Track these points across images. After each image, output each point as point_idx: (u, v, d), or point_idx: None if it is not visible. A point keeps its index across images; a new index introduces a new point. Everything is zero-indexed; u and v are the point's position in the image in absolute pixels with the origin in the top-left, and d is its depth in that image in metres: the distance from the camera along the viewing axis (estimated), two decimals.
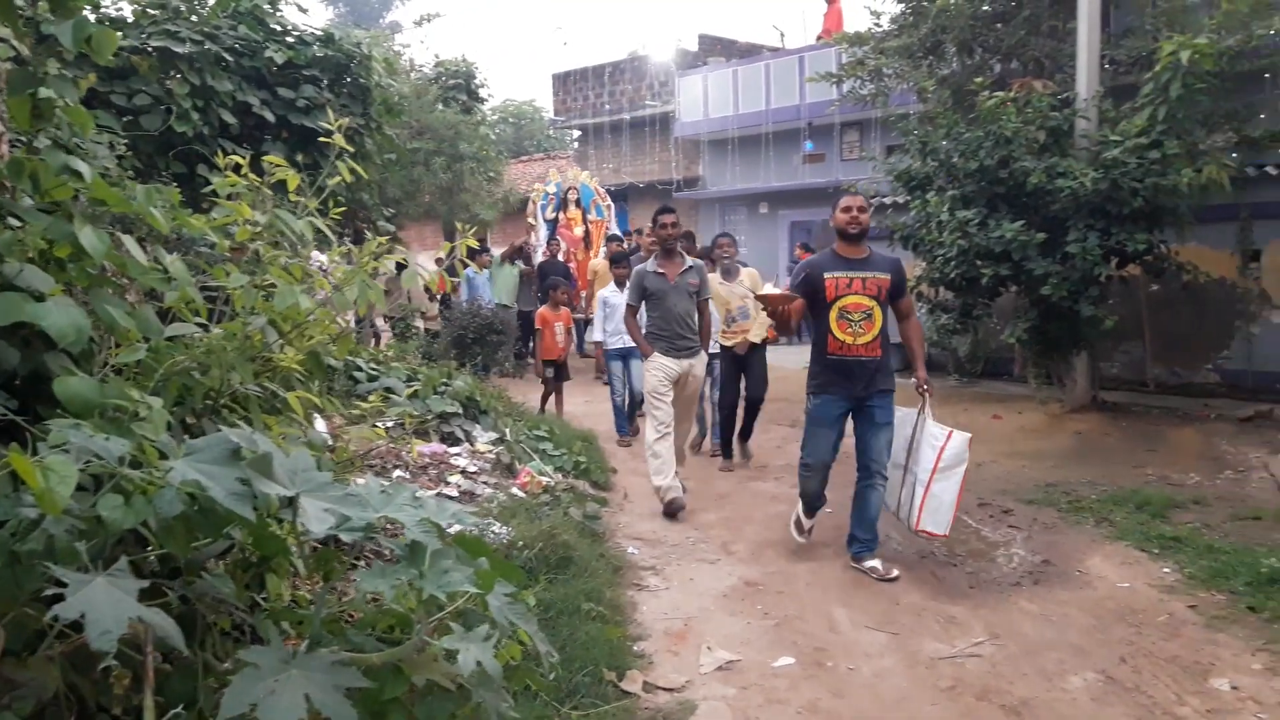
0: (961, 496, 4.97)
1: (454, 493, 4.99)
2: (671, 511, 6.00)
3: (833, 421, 4.97)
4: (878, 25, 11.14)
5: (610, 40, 64.08)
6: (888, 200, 11.38)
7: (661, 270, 6.20)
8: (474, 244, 2.93)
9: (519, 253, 13.47)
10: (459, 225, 3.02)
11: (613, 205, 15.52)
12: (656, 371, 6.14)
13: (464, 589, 1.68)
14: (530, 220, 15.18)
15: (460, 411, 6.25)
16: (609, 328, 8.27)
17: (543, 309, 9.06)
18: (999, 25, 10.15)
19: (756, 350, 7.35)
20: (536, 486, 5.52)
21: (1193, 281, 8.97)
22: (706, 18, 53.70)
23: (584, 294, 13.03)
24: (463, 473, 5.37)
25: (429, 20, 19.08)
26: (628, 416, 8.47)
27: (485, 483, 5.36)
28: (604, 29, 65.54)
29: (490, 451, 5.96)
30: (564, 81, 21.08)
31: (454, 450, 5.74)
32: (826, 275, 4.86)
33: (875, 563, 4.94)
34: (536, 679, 2.25)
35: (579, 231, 15.05)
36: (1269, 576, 4.58)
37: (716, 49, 19.51)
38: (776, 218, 17.10)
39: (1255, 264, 9.71)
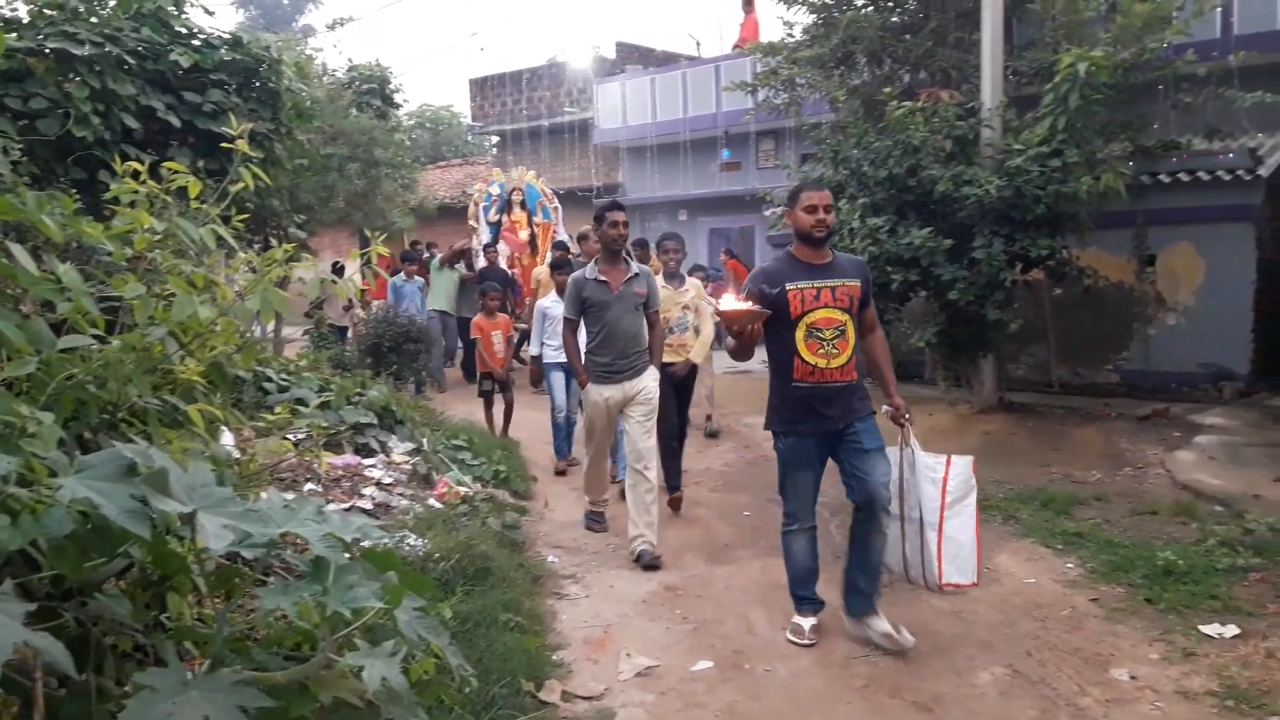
0: (979, 530, 4.25)
1: (368, 505, 4.91)
2: (648, 565, 5.19)
3: (811, 462, 4.13)
4: (791, 36, 11.31)
5: (528, 47, 63.85)
6: None
7: (604, 278, 5.39)
8: (384, 251, 2.89)
9: (460, 257, 12.95)
10: (368, 232, 2.98)
11: (560, 208, 14.76)
12: (593, 407, 5.49)
13: (370, 604, 1.66)
14: (472, 223, 14.46)
15: (375, 422, 6.15)
16: (552, 342, 7.36)
17: (478, 318, 8.59)
18: (907, 36, 10.40)
19: (693, 370, 6.70)
20: (454, 497, 5.46)
21: (1093, 286, 9.31)
22: (624, 26, 54.08)
23: (529, 301, 12.23)
24: (378, 484, 5.28)
25: (342, 24, 18.83)
26: (568, 438, 7.78)
27: (401, 494, 5.29)
28: (521, 35, 65.28)
29: (407, 462, 5.88)
30: (481, 87, 20.94)
31: (369, 462, 5.65)
32: (790, 286, 3.99)
33: (886, 626, 4.03)
34: (449, 693, 2.23)
35: (524, 235, 14.40)
36: (1164, 569, 4.78)
37: (634, 57, 19.61)
38: (695, 225, 17.24)
39: (1151, 268, 10.13)
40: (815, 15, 10.74)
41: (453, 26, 65.23)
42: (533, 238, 14.28)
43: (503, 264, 13.60)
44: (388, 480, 5.44)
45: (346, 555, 1.91)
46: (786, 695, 3.70)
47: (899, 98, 8.90)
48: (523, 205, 14.37)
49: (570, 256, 9.37)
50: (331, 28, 19.84)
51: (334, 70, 17.04)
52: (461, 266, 12.88)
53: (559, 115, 19.38)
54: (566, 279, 6.40)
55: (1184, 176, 9.62)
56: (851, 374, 4.03)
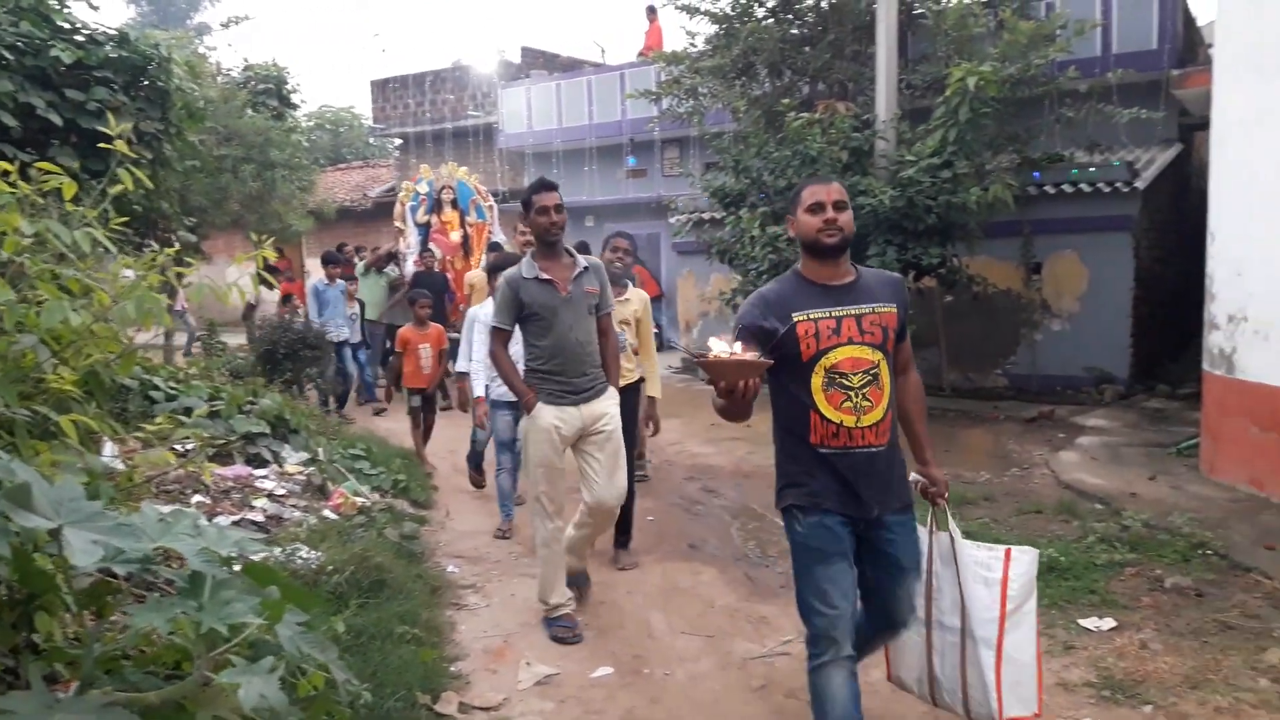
0: (1040, 645, 3.13)
1: (259, 517, 4.78)
2: (562, 639, 4.28)
3: (845, 550, 2.86)
4: (693, 45, 11.45)
5: (431, 49, 63.11)
6: (706, 216, 11.71)
7: (546, 276, 4.23)
8: (271, 255, 2.82)
9: (388, 260, 12.09)
10: (254, 236, 2.90)
11: (495, 206, 13.60)
12: (541, 435, 4.24)
13: (248, 620, 1.61)
14: (399, 224, 13.15)
15: (268, 431, 5.99)
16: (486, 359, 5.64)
17: (405, 328, 7.89)
18: (806, 49, 10.63)
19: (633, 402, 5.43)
20: (351, 508, 5.35)
21: (982, 293, 9.64)
22: (528, 31, 53.84)
23: (462, 308, 10.93)
24: (269, 496, 5.14)
25: (237, 22, 18.29)
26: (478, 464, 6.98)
27: (295, 506, 5.15)
28: (424, 37, 64.46)
29: (301, 472, 5.73)
30: (383, 88, 20.60)
31: (260, 473, 5.49)
32: (798, 318, 2.84)
33: None
34: (338, 708, 2.18)
35: (456, 236, 13.20)
36: (1047, 565, 4.96)
37: (539, 62, 19.54)
38: (602, 231, 17.26)
39: (1037, 276, 10.54)
40: (717, 26, 10.90)
41: (354, 27, 64.03)
42: (465, 239, 13.25)
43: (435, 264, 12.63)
44: (280, 491, 5.30)
45: (227, 570, 1.86)
46: (685, 699, 3.73)
47: (798, 109, 9.09)
48: (454, 204, 13.23)
49: (506, 256, 7.57)
50: (226, 26, 19.20)
51: (228, 70, 16.56)
52: (393, 270, 12.13)
53: (463, 118, 19.19)
54: None
55: (1067, 188, 10.05)
56: (888, 434, 2.88)
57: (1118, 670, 3.81)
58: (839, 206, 2.88)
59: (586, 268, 4.34)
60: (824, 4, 10.56)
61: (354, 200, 20.61)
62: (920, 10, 10.19)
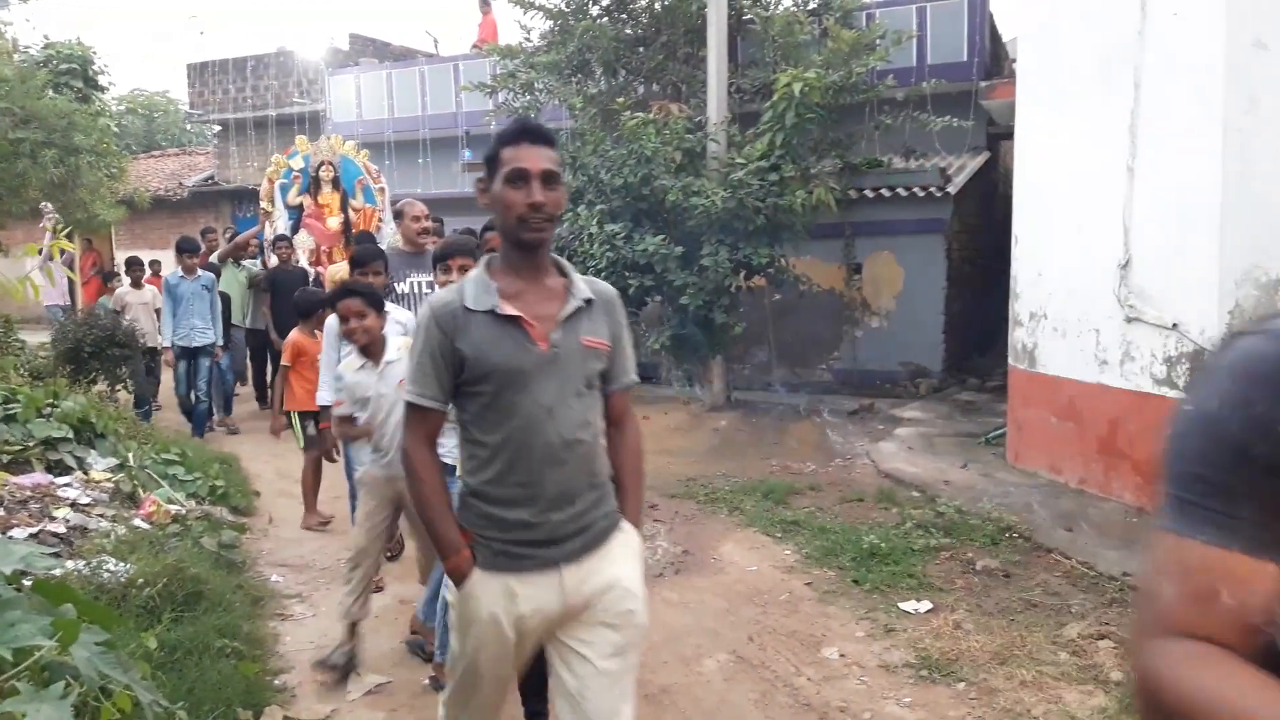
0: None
1: (61, 529, 4.43)
2: None
3: None
4: (528, 40, 11.38)
5: (254, 34, 60.15)
6: None
7: (510, 310, 2.16)
8: (69, 246, 2.60)
9: (239, 250, 10.18)
10: (47, 226, 2.68)
11: (387, 188, 11.52)
12: (480, 628, 2.19)
13: (37, 643, 1.48)
14: (265, 205, 10.90)
15: (71, 436, 5.57)
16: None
17: (298, 334, 6.06)
18: (641, 49, 10.74)
19: None
20: (164, 516, 5.04)
21: (807, 292, 10.00)
22: (357, 18, 52.13)
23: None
24: (73, 505, 4.78)
25: None
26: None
27: (101, 515, 4.81)
28: (246, 21, 61.46)
29: (108, 480, 5.36)
30: (201, 73, 19.51)
31: (62, 480, 5.10)
32: None
33: None
34: None
35: (335, 223, 10.81)
36: (869, 552, 5.21)
37: (369, 50, 18.96)
38: (444, 229, 16.94)
39: (858, 276, 11.02)
40: (551, 22, 10.86)
41: (170, 7, 60.35)
42: (347, 226, 10.84)
43: (304, 260, 10.44)
44: (85, 500, 4.94)
45: (14, 588, 1.71)
46: (517, 696, 3.69)
47: (633, 108, 9.18)
48: (335, 184, 10.95)
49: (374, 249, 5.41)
50: (24, 0, 17.79)
51: (26, 47, 15.38)
52: (255, 263, 10.28)
53: (288, 106, 18.41)
54: (378, 283, 4.43)
55: (885, 192, 10.55)
56: None
57: (934, 650, 4.03)
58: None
59: (590, 299, 2.23)
60: (657, 6, 10.69)
61: (169, 189, 19.45)
62: (749, 16, 10.46)
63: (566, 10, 10.75)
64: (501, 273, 2.21)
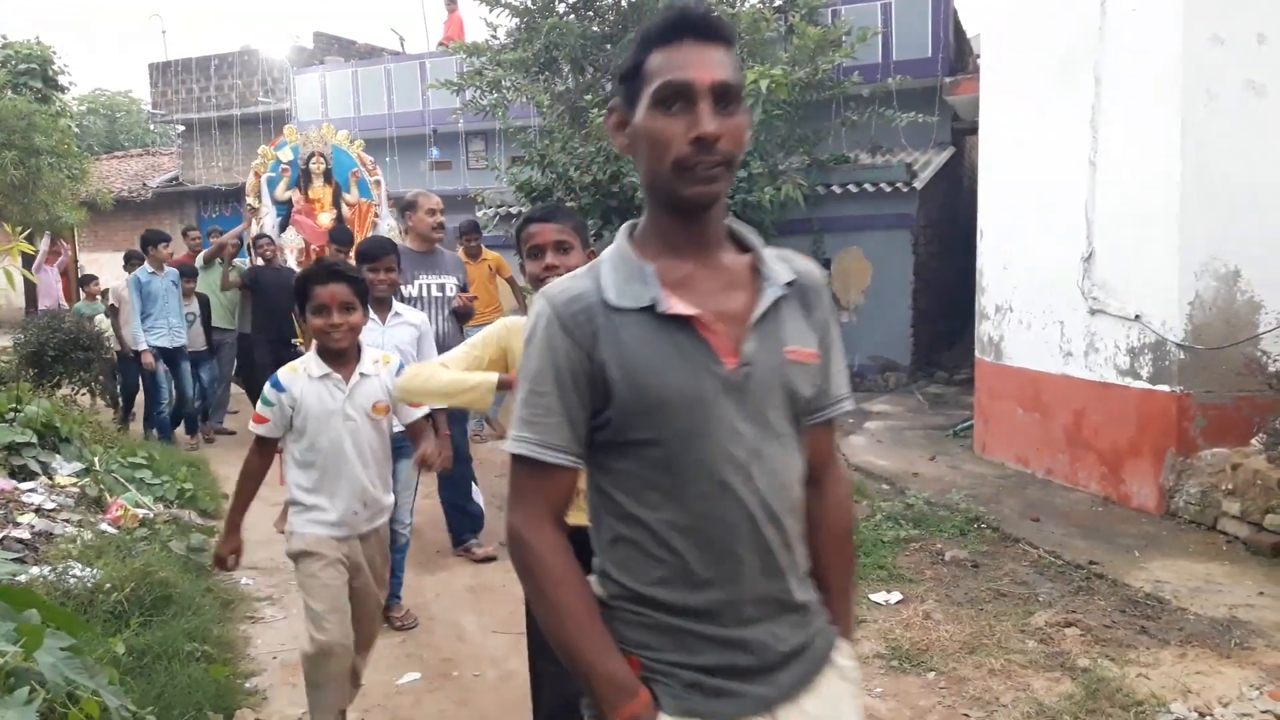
0: None
1: (25, 535, 4.38)
2: None
3: None
4: (495, 38, 11.34)
5: (217, 33, 59.59)
6: (514, 210, 11.64)
7: (675, 305, 1.38)
8: (28, 249, 2.58)
9: (219, 251, 9.20)
10: (7, 228, 2.65)
11: (383, 182, 10.56)
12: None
13: (1, 648, 1.47)
14: (252, 201, 9.99)
15: (34, 441, 5.50)
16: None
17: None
18: (608, 46, 10.73)
19: None
20: (131, 520, 4.99)
21: None
22: (321, 16, 51.60)
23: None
24: (37, 511, 4.73)
25: None
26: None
27: (67, 520, 4.76)
28: (208, 20, 60.80)
29: (74, 485, 5.30)
30: (164, 72, 19.28)
31: (26, 486, 5.04)
32: None
33: None
34: None
35: (327, 219, 9.83)
36: None
37: (334, 48, 18.82)
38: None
39: (826, 271, 11.03)
40: (518, 19, 10.84)
41: (131, 6, 59.57)
42: (340, 223, 9.77)
43: (291, 261, 9.55)
44: (50, 506, 4.88)
45: None
46: (495, 698, 3.70)
47: (601, 105, 9.17)
48: (327, 177, 10.02)
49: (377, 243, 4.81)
50: None
51: None
52: (244, 262, 9.48)
53: (253, 105, 18.24)
54: (387, 283, 3.99)
55: (853, 188, 10.62)
56: None
57: (905, 640, 4.07)
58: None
59: (791, 283, 1.49)
60: (624, 3, 10.69)
61: (133, 190, 19.22)
62: (716, 13, 10.48)
63: (533, 7, 10.72)
64: (655, 249, 1.43)
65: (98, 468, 5.69)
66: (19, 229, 2.54)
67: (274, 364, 6.29)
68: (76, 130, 17.59)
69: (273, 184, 9.92)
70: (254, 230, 9.60)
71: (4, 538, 4.29)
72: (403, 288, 4.55)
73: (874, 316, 10.85)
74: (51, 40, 26.63)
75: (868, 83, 10.00)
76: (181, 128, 19.66)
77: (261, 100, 18.16)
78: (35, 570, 3.82)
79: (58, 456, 5.65)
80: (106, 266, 20.17)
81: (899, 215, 10.64)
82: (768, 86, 8.37)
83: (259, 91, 18.33)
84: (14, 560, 3.75)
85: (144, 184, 19.50)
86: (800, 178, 9.17)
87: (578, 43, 10.39)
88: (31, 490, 5.04)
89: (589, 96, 9.58)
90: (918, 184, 10.41)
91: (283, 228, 9.84)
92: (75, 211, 14.44)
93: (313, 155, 9.97)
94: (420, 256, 4.90)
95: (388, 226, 9.45)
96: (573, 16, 10.70)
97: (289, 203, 9.95)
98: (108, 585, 3.85)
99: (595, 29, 10.78)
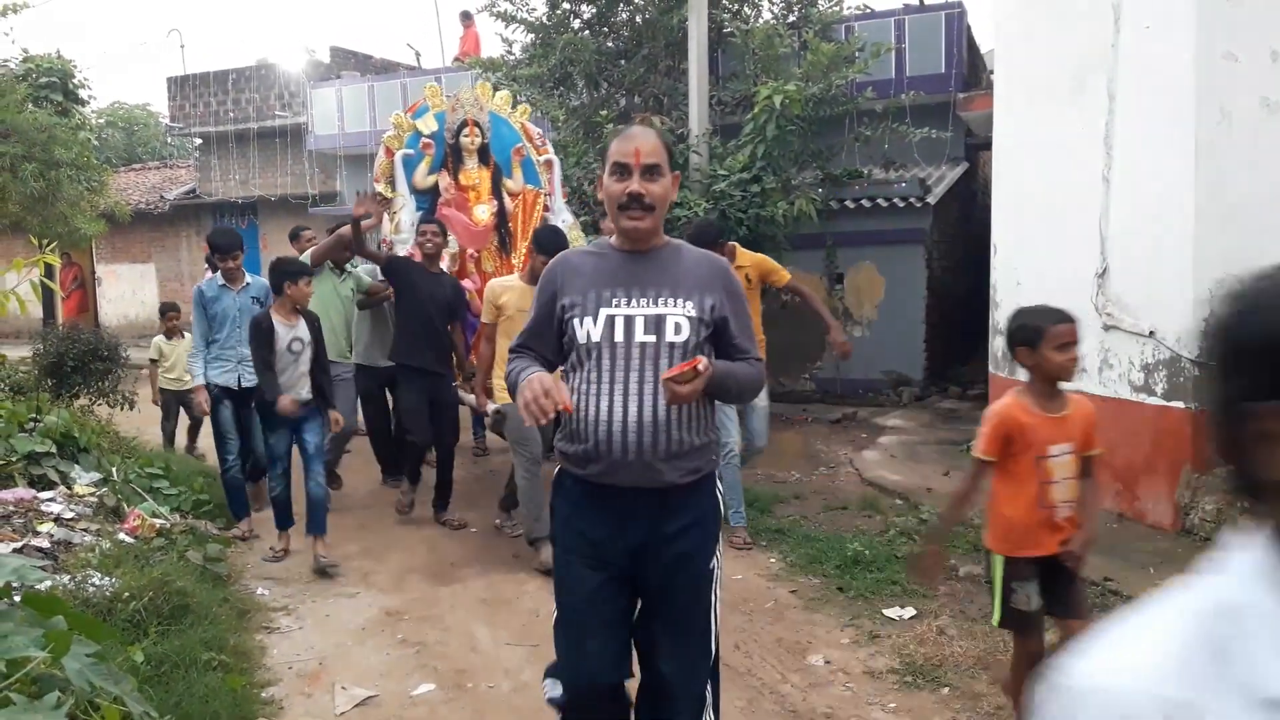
0: None
1: (45, 544, 4.42)
2: None
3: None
4: (510, 54, 11.43)
5: (234, 47, 60.03)
6: None
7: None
8: (54, 260, 2.62)
9: (342, 248, 6.43)
10: (34, 239, 2.69)
11: (556, 161, 7.74)
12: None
13: (29, 654, 1.50)
14: (382, 189, 7.11)
15: (54, 451, 5.55)
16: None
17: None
18: (622, 62, 10.81)
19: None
20: (149, 530, 5.03)
21: (791, 302, 10.06)
22: (338, 31, 52.09)
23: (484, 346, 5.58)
24: (57, 520, 4.76)
25: (16, 10, 16.79)
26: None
27: (86, 530, 4.79)
28: (227, 34, 61.35)
29: (93, 494, 5.34)
30: (181, 86, 19.47)
31: (46, 495, 5.08)
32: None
33: None
34: None
35: (484, 213, 7.09)
36: (853, 559, 5.25)
37: (350, 63, 18.98)
38: None
39: (840, 286, 11.10)
40: (533, 35, 10.92)
41: (152, 22, 60.20)
42: (502, 219, 7.23)
43: (444, 263, 6.61)
44: (69, 515, 4.92)
45: (6, 601, 1.72)
46: (509, 710, 3.71)
47: (615, 120, 9.23)
48: (483, 156, 7.22)
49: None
50: (3, 14, 17.69)
51: (6, 61, 15.32)
52: (361, 269, 6.85)
53: (269, 119, 18.39)
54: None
55: (866, 203, 10.63)
56: None
57: (918, 656, 4.07)
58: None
59: None
60: (638, 19, 10.77)
61: (150, 202, 19.39)
62: (730, 29, 10.55)
63: (548, 23, 10.81)
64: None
65: (115, 477, 5.73)
66: (46, 241, 2.58)
67: (428, 406, 6.07)
68: (95, 143, 17.75)
69: (410, 165, 7.09)
70: (387, 227, 7.02)
71: (24, 546, 4.33)
72: None
73: (887, 331, 10.85)
74: (72, 53, 26.95)
75: (881, 98, 10.04)
76: (199, 141, 19.82)
77: (278, 114, 18.32)
78: (55, 579, 3.86)
79: (76, 466, 5.69)
80: (124, 278, 20.39)
81: (912, 230, 10.65)
82: (781, 102, 8.41)
83: (276, 105, 18.48)
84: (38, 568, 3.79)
85: (161, 196, 19.66)
86: (814, 192, 9.20)
87: (592, 58, 10.46)
88: (51, 500, 5.08)
89: (604, 112, 9.64)
90: (931, 199, 10.41)
91: (425, 220, 6.53)
92: (94, 223, 14.59)
93: (464, 125, 7.11)
94: None
95: (563, 222, 7.16)
96: (587, 32, 10.78)
97: (433, 191, 7.11)
98: (126, 594, 3.89)
99: (610, 45, 10.85)
